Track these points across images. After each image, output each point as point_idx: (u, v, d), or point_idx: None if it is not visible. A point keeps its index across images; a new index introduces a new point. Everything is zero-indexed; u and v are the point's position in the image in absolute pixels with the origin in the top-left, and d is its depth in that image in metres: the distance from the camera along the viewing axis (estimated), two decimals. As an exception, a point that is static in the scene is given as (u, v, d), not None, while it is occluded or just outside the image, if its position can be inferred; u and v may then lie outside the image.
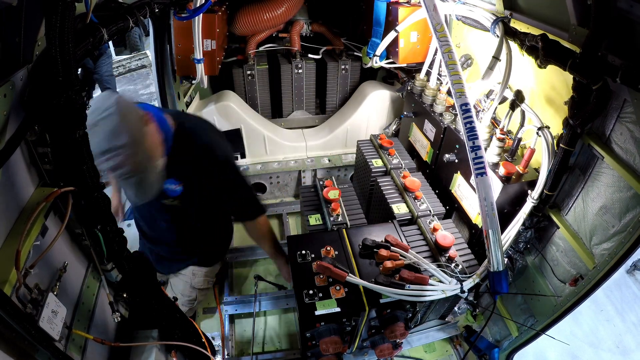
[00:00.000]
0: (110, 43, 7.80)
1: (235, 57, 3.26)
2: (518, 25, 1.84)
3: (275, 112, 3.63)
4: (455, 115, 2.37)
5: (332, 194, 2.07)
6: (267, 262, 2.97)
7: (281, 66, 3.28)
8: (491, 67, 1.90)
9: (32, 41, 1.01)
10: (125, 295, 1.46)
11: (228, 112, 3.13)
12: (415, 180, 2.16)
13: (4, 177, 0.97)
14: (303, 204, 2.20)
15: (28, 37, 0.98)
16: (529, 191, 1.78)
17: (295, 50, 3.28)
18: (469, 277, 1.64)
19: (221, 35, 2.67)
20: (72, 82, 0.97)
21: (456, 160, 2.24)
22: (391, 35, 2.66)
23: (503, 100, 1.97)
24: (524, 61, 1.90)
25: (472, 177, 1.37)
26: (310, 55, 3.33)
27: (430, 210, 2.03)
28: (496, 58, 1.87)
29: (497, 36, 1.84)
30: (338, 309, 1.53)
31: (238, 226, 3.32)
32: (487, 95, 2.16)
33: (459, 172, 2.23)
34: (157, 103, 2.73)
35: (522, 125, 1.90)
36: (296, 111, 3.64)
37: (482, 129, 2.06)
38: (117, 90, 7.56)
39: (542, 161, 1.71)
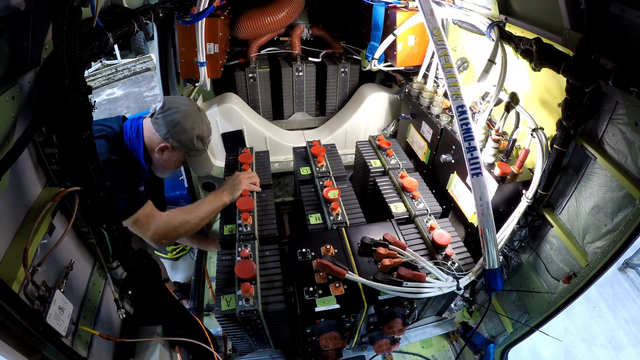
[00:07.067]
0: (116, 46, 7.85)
1: (238, 60, 3.29)
2: (513, 29, 1.86)
3: (276, 113, 3.65)
4: (452, 117, 2.40)
5: (332, 193, 2.09)
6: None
7: (282, 69, 3.30)
8: (487, 70, 1.92)
9: (40, 45, 1.03)
10: (130, 292, 1.49)
11: (230, 113, 3.16)
12: (412, 180, 2.18)
13: (13, 177, 0.98)
14: (304, 199, 2.22)
15: (36, 40, 1.00)
16: (524, 191, 1.80)
17: (296, 54, 3.30)
18: (465, 275, 1.66)
19: (224, 39, 2.70)
20: (78, 85, 0.99)
21: (452, 161, 2.27)
22: (389, 39, 2.68)
23: (498, 102, 1.99)
24: (518, 64, 1.92)
25: (468, 177, 1.39)
26: (310, 59, 3.36)
27: (427, 210, 2.05)
28: (491, 61, 1.89)
29: (493, 40, 1.87)
30: (337, 306, 1.55)
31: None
32: (483, 98, 2.18)
33: (455, 172, 2.25)
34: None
35: (516, 126, 1.92)
36: (297, 113, 3.66)
37: (477, 130, 2.08)
38: (122, 92, 7.60)
39: (537, 162, 1.73)
